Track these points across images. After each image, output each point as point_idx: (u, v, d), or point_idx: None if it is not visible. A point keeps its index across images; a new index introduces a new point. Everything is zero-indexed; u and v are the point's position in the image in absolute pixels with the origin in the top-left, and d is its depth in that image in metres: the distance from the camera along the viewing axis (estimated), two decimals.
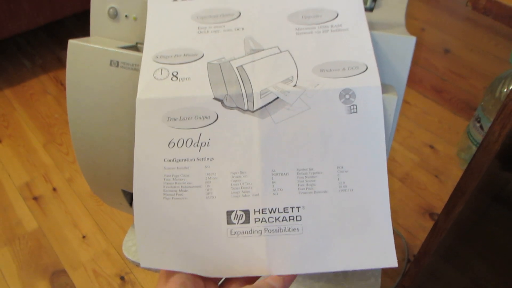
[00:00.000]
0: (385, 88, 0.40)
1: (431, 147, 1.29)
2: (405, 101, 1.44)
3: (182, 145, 0.39)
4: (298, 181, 0.38)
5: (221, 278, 0.39)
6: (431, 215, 1.12)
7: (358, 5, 0.42)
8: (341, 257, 0.37)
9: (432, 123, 1.37)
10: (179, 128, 0.39)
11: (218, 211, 0.38)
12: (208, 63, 0.41)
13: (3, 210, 1.16)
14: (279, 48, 0.41)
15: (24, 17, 1.45)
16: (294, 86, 0.39)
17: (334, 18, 0.42)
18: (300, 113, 0.39)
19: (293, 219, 0.37)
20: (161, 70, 0.41)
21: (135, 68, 0.43)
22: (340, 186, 0.37)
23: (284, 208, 0.37)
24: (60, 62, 1.62)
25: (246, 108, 0.39)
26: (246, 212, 0.38)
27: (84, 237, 1.10)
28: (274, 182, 0.38)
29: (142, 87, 0.40)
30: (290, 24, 0.42)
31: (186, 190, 0.38)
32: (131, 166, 0.39)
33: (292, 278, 0.37)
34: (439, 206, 1.13)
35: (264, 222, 0.37)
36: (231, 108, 0.39)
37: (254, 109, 0.39)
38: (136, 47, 0.48)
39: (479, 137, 1.13)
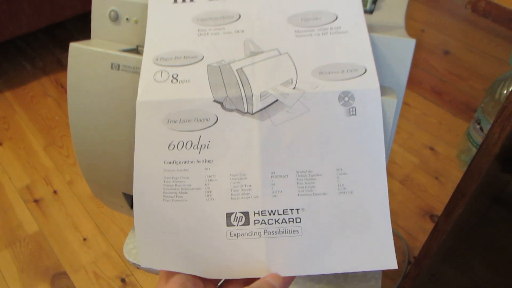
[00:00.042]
0: (385, 90, 0.40)
1: (431, 149, 1.29)
2: (405, 103, 1.44)
3: (182, 147, 0.39)
4: (297, 183, 0.38)
5: (220, 279, 0.39)
6: (431, 217, 1.12)
7: (358, 8, 0.42)
8: (340, 259, 0.37)
9: (432, 125, 1.37)
10: (179, 131, 0.39)
11: (218, 213, 0.38)
12: (208, 65, 0.41)
13: (3, 213, 1.16)
14: (278, 51, 0.41)
15: (25, 19, 1.45)
16: (294, 88, 0.39)
17: (334, 21, 0.42)
18: (300, 115, 0.39)
19: (293, 221, 0.37)
20: (161, 72, 0.41)
21: (136, 71, 0.43)
22: (339, 188, 0.37)
23: (283, 210, 0.37)
24: (61, 64, 1.62)
25: (245, 110, 0.39)
26: (246, 214, 0.38)
27: (84, 239, 1.10)
28: (274, 184, 0.38)
29: (142, 89, 0.40)
30: (290, 27, 0.43)
31: (186, 192, 0.38)
32: (132, 169, 0.39)
33: (291, 277, 0.37)
34: (439, 208, 1.13)
35: (264, 224, 0.37)
36: (231, 110, 0.39)
37: (254, 111, 0.39)
38: (137, 50, 0.48)
39: (479, 139, 1.13)
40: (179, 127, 0.39)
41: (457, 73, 1.55)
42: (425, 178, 1.21)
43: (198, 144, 0.39)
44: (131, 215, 0.39)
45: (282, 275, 0.37)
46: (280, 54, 0.41)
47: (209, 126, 0.39)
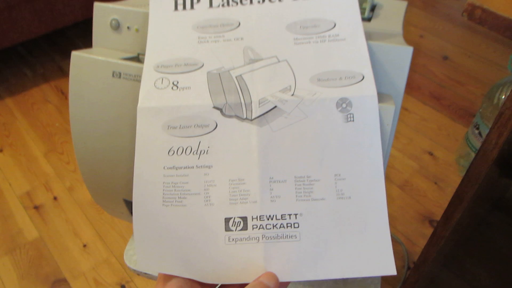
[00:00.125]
0: (383, 97, 0.41)
1: (430, 154, 1.30)
2: (404, 108, 1.44)
3: (182, 153, 0.39)
4: (295, 188, 0.38)
5: (218, 283, 0.39)
6: (431, 222, 1.12)
7: (355, 16, 0.43)
8: (339, 264, 0.37)
9: (431, 130, 1.37)
10: (179, 136, 0.39)
11: (216, 218, 0.38)
12: (208, 72, 0.42)
13: (4, 219, 1.16)
14: (277, 58, 0.42)
15: (26, 26, 1.46)
16: (292, 95, 0.40)
17: (332, 28, 0.43)
18: (298, 122, 0.39)
19: (291, 226, 0.37)
20: (162, 79, 0.42)
21: (137, 79, 0.43)
22: (337, 193, 0.38)
23: (281, 215, 0.38)
24: (61, 71, 1.63)
25: (244, 116, 0.40)
26: (244, 219, 0.38)
27: (84, 246, 1.10)
28: (272, 189, 0.38)
29: (143, 95, 0.41)
30: (289, 34, 0.43)
31: (185, 197, 0.38)
32: (132, 175, 0.39)
33: (287, 282, 0.38)
34: (438, 213, 1.13)
35: (262, 229, 0.37)
36: (230, 116, 0.40)
37: (253, 117, 0.40)
38: (138, 58, 0.48)
39: (478, 144, 1.13)
40: (179, 133, 0.40)
41: (456, 78, 1.56)
42: (424, 183, 1.22)
43: (197, 150, 0.39)
44: (131, 221, 0.39)
45: (280, 280, 0.37)
46: (279, 61, 0.42)
47: (209, 132, 0.39)
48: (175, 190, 0.39)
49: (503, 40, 1.63)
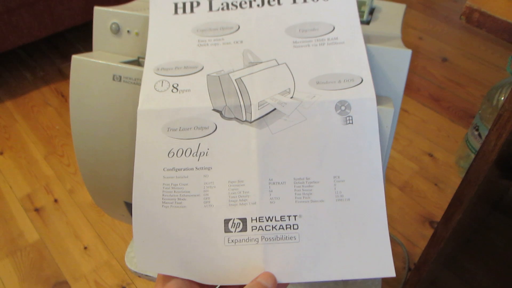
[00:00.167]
0: (382, 100, 0.41)
1: (430, 155, 1.30)
2: (404, 110, 1.45)
3: (182, 154, 0.39)
4: (295, 190, 0.38)
5: (217, 285, 0.39)
6: (431, 223, 1.12)
7: (354, 19, 0.43)
8: (338, 266, 0.37)
9: (431, 132, 1.37)
10: (179, 138, 0.40)
11: (216, 219, 0.38)
12: (208, 75, 0.42)
13: (4, 222, 1.16)
14: (276, 61, 0.42)
15: (25, 30, 1.46)
16: (291, 97, 0.40)
17: (331, 32, 0.43)
18: (297, 124, 0.39)
19: (290, 227, 0.38)
20: (162, 82, 0.42)
21: (137, 82, 0.43)
22: (336, 195, 0.38)
23: (281, 217, 0.38)
24: (61, 74, 1.63)
25: (244, 119, 0.40)
26: (243, 221, 0.38)
27: (85, 248, 1.10)
28: (271, 191, 0.38)
29: (143, 98, 0.41)
30: (288, 37, 0.43)
31: (184, 199, 0.39)
32: (133, 178, 0.39)
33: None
34: (438, 214, 1.13)
35: (261, 230, 0.38)
36: (230, 118, 0.40)
37: (252, 119, 0.40)
38: (138, 62, 0.48)
39: (477, 145, 1.13)
40: (179, 135, 0.40)
41: (455, 80, 1.56)
42: (425, 185, 1.22)
43: (197, 152, 0.39)
44: (132, 223, 0.39)
45: (279, 282, 0.37)
46: (278, 64, 0.42)
47: (208, 134, 0.40)
48: (174, 191, 0.39)
49: (502, 42, 1.63)
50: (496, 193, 0.99)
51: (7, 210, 1.19)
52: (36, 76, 1.62)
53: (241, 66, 0.42)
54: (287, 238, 0.37)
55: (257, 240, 0.37)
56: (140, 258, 0.38)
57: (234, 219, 0.38)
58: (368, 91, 0.39)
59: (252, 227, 0.38)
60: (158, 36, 0.45)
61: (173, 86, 0.42)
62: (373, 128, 0.39)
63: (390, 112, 0.39)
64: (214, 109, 0.40)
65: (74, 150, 0.48)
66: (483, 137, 1.11)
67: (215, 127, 0.40)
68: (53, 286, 1.03)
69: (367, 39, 0.44)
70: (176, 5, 0.46)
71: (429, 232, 1.09)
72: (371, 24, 0.52)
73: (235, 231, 0.38)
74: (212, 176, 0.39)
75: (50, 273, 1.05)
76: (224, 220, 0.38)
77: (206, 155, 0.39)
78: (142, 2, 0.54)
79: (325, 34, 0.43)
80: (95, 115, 0.46)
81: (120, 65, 0.45)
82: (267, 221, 0.38)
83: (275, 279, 0.37)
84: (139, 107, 0.40)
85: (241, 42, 0.44)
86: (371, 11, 0.54)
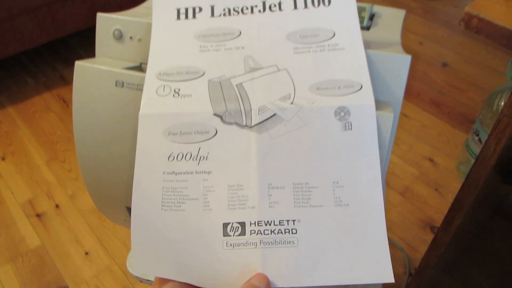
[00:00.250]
0: (382, 105, 0.41)
1: (431, 160, 1.30)
2: (404, 115, 1.45)
3: (182, 158, 0.39)
4: (294, 194, 0.38)
5: None
6: (432, 228, 1.12)
7: (355, 25, 0.43)
8: (336, 271, 0.37)
9: (431, 137, 1.38)
10: (179, 143, 0.40)
11: (215, 223, 0.38)
12: (209, 80, 0.42)
13: (6, 227, 1.16)
14: (277, 67, 0.42)
15: (27, 35, 1.47)
16: (291, 103, 0.40)
17: (331, 38, 0.43)
18: (297, 129, 0.39)
19: (289, 232, 0.38)
20: (164, 87, 0.42)
21: (140, 88, 0.44)
22: (335, 200, 0.38)
23: (279, 221, 0.38)
24: (63, 80, 1.63)
25: (244, 123, 0.40)
26: (242, 224, 0.38)
27: (86, 253, 1.10)
28: (270, 195, 0.38)
29: (144, 103, 0.41)
30: (289, 43, 0.44)
31: (184, 202, 0.39)
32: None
33: None
34: (439, 219, 1.13)
35: (260, 234, 0.38)
36: (230, 123, 0.40)
37: (252, 124, 0.40)
38: (141, 67, 0.49)
39: (478, 150, 1.13)
40: (179, 139, 0.40)
41: (456, 85, 1.57)
42: (425, 190, 1.22)
43: (197, 156, 0.39)
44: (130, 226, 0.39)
45: (278, 286, 0.37)
46: (278, 70, 0.42)
47: (209, 139, 0.40)
48: (174, 194, 0.39)
49: (503, 47, 1.64)
50: (496, 198, 0.99)
51: (8, 216, 1.19)
52: (38, 82, 1.63)
53: (242, 71, 0.43)
54: (286, 242, 0.37)
55: (255, 244, 0.37)
56: (137, 260, 0.38)
57: (233, 223, 0.38)
58: (367, 97, 0.39)
59: (250, 231, 0.38)
60: (161, 42, 0.45)
61: (174, 91, 0.42)
62: (372, 134, 0.39)
63: (389, 117, 0.39)
64: (214, 114, 0.40)
65: (75, 155, 0.49)
66: (483, 142, 1.11)
67: (215, 132, 0.40)
68: None
69: (367, 45, 0.44)
70: (178, 10, 0.47)
71: (429, 237, 1.09)
72: (371, 29, 0.52)
73: (233, 235, 0.38)
74: (211, 180, 0.39)
75: (51, 278, 1.05)
76: (223, 223, 0.38)
77: (206, 159, 0.39)
78: (144, 8, 0.54)
79: (325, 40, 0.43)
80: (97, 120, 0.47)
81: (122, 71, 0.45)
82: (266, 225, 0.38)
83: (268, 281, 0.37)
84: (140, 111, 0.41)
85: (243, 48, 0.44)
86: (371, 17, 0.54)
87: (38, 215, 1.19)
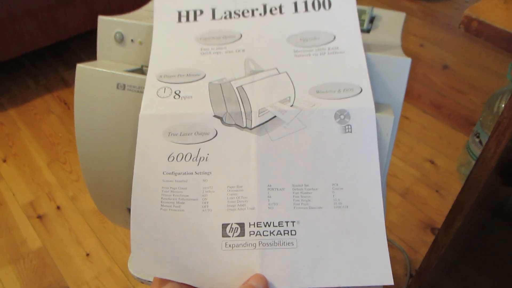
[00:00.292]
0: (382, 107, 0.41)
1: (432, 162, 1.30)
2: (405, 117, 1.45)
3: (181, 159, 0.40)
4: (293, 196, 0.38)
5: None
6: (433, 229, 1.12)
7: (355, 29, 0.43)
8: (335, 273, 0.37)
9: (432, 139, 1.38)
10: (179, 143, 0.40)
11: (214, 223, 0.38)
12: (210, 83, 0.42)
13: (7, 229, 1.17)
14: (277, 70, 0.43)
15: (29, 38, 1.47)
16: (291, 106, 0.40)
17: (331, 41, 0.43)
18: (297, 132, 0.40)
19: (288, 233, 0.38)
20: (164, 88, 0.42)
21: (141, 90, 0.44)
22: (335, 202, 0.38)
23: (279, 222, 0.38)
24: (64, 82, 1.64)
25: (244, 125, 0.40)
26: (241, 225, 0.38)
27: (87, 255, 1.10)
28: (270, 197, 0.38)
29: (145, 104, 0.41)
30: (289, 46, 0.44)
31: (183, 202, 0.39)
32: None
33: None
34: (440, 220, 1.13)
35: (259, 236, 0.38)
36: (230, 125, 0.40)
37: (252, 126, 0.40)
38: (142, 70, 0.49)
39: (478, 152, 1.13)
40: (179, 140, 0.40)
41: (456, 87, 1.57)
42: (426, 191, 1.22)
43: (197, 157, 0.40)
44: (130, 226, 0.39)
45: (276, 287, 0.37)
46: (279, 73, 0.43)
47: (209, 140, 0.40)
48: (173, 195, 0.39)
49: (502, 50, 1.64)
50: (496, 199, 0.99)
51: (10, 217, 1.19)
52: (39, 84, 1.63)
53: (242, 74, 0.43)
54: (285, 243, 0.37)
55: (254, 245, 0.38)
56: (136, 260, 0.38)
57: (232, 224, 0.38)
58: (367, 100, 0.40)
59: (250, 232, 0.38)
60: (162, 44, 0.45)
61: (175, 92, 0.42)
62: (371, 136, 0.39)
63: (390, 119, 0.40)
64: (215, 116, 0.41)
65: (76, 157, 0.49)
66: (484, 144, 1.11)
67: (215, 133, 0.40)
68: None
69: (367, 48, 0.44)
70: (179, 13, 0.47)
71: (430, 238, 1.09)
72: (371, 32, 0.52)
73: (232, 236, 0.38)
74: (211, 181, 0.39)
75: (52, 280, 1.05)
76: (222, 224, 0.38)
77: (206, 160, 0.39)
78: (145, 11, 0.54)
79: (325, 44, 0.43)
80: (99, 123, 0.47)
81: (124, 73, 0.45)
82: (265, 226, 0.38)
83: (266, 281, 0.37)
84: (141, 112, 0.41)
85: (243, 50, 0.44)
86: (372, 20, 0.55)
87: (39, 217, 1.19)
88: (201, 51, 0.45)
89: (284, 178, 0.39)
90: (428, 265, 0.72)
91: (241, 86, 0.42)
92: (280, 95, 0.41)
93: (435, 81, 1.60)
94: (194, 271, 0.38)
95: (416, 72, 1.64)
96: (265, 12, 0.46)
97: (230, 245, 0.38)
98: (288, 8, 0.46)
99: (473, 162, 1.16)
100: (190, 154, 0.40)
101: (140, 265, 0.38)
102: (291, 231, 0.38)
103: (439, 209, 1.18)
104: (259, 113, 0.40)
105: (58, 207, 1.21)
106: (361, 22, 0.52)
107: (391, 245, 1.09)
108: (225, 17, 0.46)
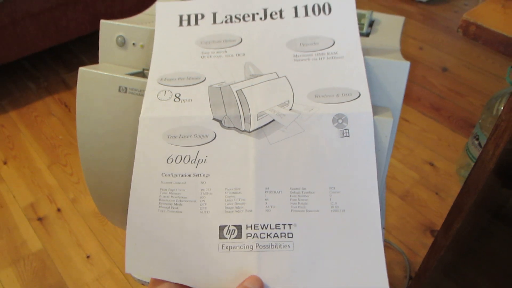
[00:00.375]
0: (381, 110, 0.42)
1: (431, 164, 1.30)
2: (405, 119, 1.45)
3: (180, 161, 0.40)
4: (290, 199, 0.39)
5: None
6: (432, 232, 1.13)
7: (354, 34, 0.44)
8: (331, 276, 0.37)
9: (432, 141, 1.38)
10: (178, 145, 0.40)
11: (211, 225, 0.38)
12: (210, 86, 0.43)
13: (8, 231, 1.17)
14: (277, 74, 0.43)
15: (30, 41, 1.48)
16: (290, 109, 0.41)
17: (331, 46, 0.44)
18: (295, 135, 0.40)
19: (285, 236, 0.38)
20: (165, 91, 0.43)
21: (143, 93, 0.44)
22: (332, 206, 0.38)
23: (276, 225, 0.38)
24: (65, 84, 1.64)
25: (243, 128, 0.40)
26: (239, 227, 0.38)
27: (88, 257, 1.10)
28: (267, 199, 0.39)
29: (145, 106, 0.42)
30: (289, 51, 0.44)
31: (181, 204, 0.39)
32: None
33: None
34: (439, 223, 1.14)
35: (256, 238, 0.38)
36: (229, 128, 0.41)
37: (251, 130, 0.40)
38: (143, 74, 0.49)
39: (477, 155, 1.14)
40: (179, 142, 0.40)
41: (456, 89, 1.57)
42: (425, 194, 1.22)
43: (196, 159, 0.40)
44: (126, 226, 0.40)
45: None
46: (278, 77, 0.43)
47: (208, 142, 0.40)
48: (171, 196, 0.39)
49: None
50: (496, 202, 0.99)
51: (10, 219, 1.20)
52: (40, 87, 1.64)
53: (242, 78, 0.43)
54: (282, 246, 0.38)
55: (251, 247, 0.38)
56: (130, 260, 0.39)
57: (229, 226, 0.38)
58: (365, 105, 0.40)
59: (247, 234, 0.38)
60: (163, 47, 0.46)
61: (175, 95, 0.42)
62: (369, 141, 0.39)
63: (388, 122, 0.40)
64: (214, 119, 0.41)
65: (77, 159, 0.49)
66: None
67: (214, 136, 0.40)
68: None
69: (367, 51, 0.45)
70: (181, 17, 0.47)
71: (430, 240, 1.09)
72: (370, 36, 0.53)
73: (229, 238, 0.38)
74: (209, 183, 0.39)
75: (53, 282, 1.06)
76: (219, 226, 0.38)
77: (205, 162, 0.40)
78: (147, 15, 0.55)
79: (325, 49, 0.44)
80: (101, 125, 0.47)
81: (125, 76, 0.46)
82: (262, 228, 0.38)
83: (262, 283, 0.37)
84: (141, 115, 0.41)
85: (243, 54, 0.45)
86: (371, 24, 0.55)
87: (39, 219, 1.19)
88: (201, 54, 0.45)
89: (282, 181, 0.39)
90: (427, 267, 0.73)
91: (241, 89, 0.42)
92: (279, 99, 0.41)
93: (435, 83, 1.60)
94: (190, 272, 0.38)
95: (415, 74, 1.64)
96: (265, 16, 0.46)
97: (227, 247, 0.38)
98: (289, 12, 0.46)
99: (473, 164, 1.16)
100: (189, 156, 0.40)
101: (132, 266, 0.39)
102: (287, 233, 0.38)
103: (438, 211, 1.18)
104: (258, 117, 0.41)
105: (59, 209, 1.21)
106: (361, 26, 0.53)
107: (390, 247, 1.09)
108: (226, 21, 0.47)
